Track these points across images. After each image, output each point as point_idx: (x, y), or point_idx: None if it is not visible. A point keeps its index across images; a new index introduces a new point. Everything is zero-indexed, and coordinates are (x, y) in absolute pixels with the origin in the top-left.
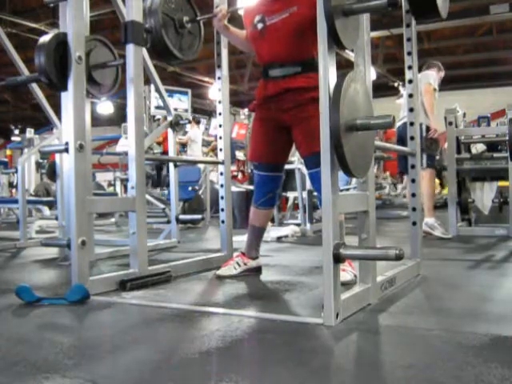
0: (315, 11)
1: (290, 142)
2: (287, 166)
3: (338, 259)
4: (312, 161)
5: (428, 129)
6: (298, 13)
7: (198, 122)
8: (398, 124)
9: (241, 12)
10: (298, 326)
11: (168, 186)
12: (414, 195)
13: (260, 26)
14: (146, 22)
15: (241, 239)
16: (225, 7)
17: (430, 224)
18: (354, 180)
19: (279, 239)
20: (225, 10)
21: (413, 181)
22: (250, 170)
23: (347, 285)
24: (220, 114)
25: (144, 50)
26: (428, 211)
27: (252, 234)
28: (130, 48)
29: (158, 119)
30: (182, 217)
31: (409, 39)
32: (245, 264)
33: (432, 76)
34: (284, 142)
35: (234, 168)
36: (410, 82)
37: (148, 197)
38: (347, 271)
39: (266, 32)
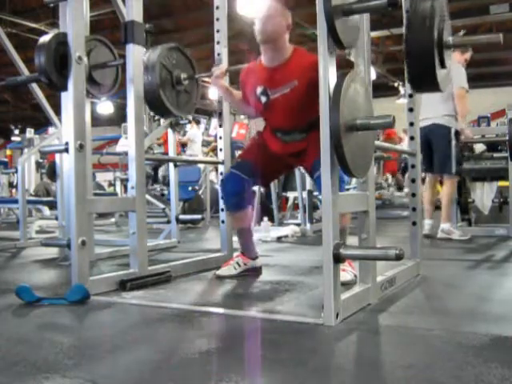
0: (315, 83)
1: (281, 172)
2: None
3: (338, 259)
4: (319, 163)
5: (457, 133)
6: (299, 87)
7: (197, 122)
8: (423, 124)
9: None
10: (298, 325)
11: (167, 185)
12: (413, 195)
13: (263, 99)
14: (144, 75)
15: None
16: (224, 66)
17: (447, 229)
18: (354, 180)
19: (279, 239)
20: (223, 68)
21: (413, 181)
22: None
23: (347, 285)
24: (220, 113)
25: (144, 50)
26: (446, 217)
27: (241, 237)
28: (130, 48)
29: (158, 119)
30: (182, 217)
31: None
32: (245, 264)
33: (463, 75)
34: (278, 168)
35: None
36: None
37: (148, 197)
38: (347, 271)
39: (270, 106)
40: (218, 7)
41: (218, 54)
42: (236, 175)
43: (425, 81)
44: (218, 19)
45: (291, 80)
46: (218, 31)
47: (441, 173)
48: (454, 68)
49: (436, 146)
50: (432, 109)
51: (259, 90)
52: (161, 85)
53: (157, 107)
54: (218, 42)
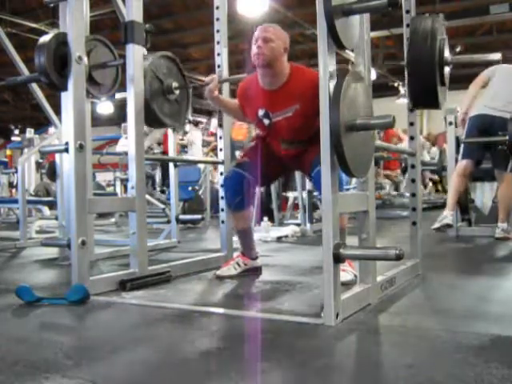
0: (317, 103)
1: (283, 173)
2: None
3: (338, 259)
4: (318, 159)
5: None
6: (301, 110)
7: (196, 124)
8: (478, 113)
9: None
10: (298, 326)
11: (168, 186)
12: (413, 195)
13: (266, 122)
14: None
15: (238, 241)
16: (216, 78)
17: (506, 229)
18: (353, 180)
19: (279, 239)
20: (217, 79)
21: (413, 181)
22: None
23: (347, 285)
24: (220, 113)
25: (144, 50)
26: (504, 216)
27: (241, 237)
28: (130, 48)
29: None
30: (182, 217)
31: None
32: (245, 264)
33: None
34: (279, 170)
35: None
36: None
37: (148, 197)
38: (347, 271)
39: (272, 127)
40: (218, 7)
41: (218, 54)
42: (238, 174)
43: (426, 99)
44: (217, 19)
45: (293, 104)
46: (217, 31)
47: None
48: None
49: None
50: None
51: (261, 112)
52: (152, 94)
53: (148, 117)
54: (218, 42)
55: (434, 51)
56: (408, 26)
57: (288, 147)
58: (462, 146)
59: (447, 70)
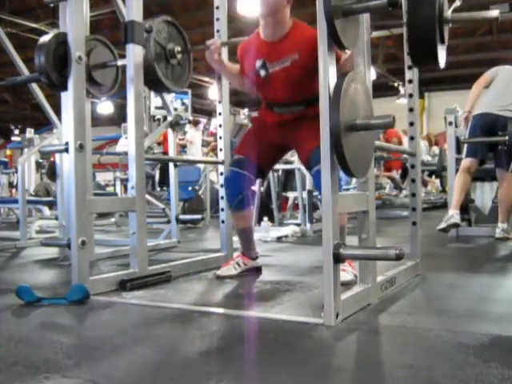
0: (316, 56)
1: (277, 158)
2: (287, 166)
3: (337, 259)
4: (317, 155)
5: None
6: (300, 61)
7: (196, 124)
8: (482, 111)
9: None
10: (298, 325)
11: (168, 186)
12: (413, 195)
13: (263, 73)
14: None
15: (239, 241)
16: (218, 40)
17: (506, 229)
18: (353, 180)
19: (279, 239)
20: (219, 42)
21: (413, 181)
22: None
23: (347, 285)
24: (220, 114)
25: (144, 50)
26: (504, 216)
27: (241, 237)
28: (130, 48)
29: (159, 119)
30: (182, 217)
31: None
32: (245, 264)
33: None
34: (273, 155)
35: None
36: (410, 81)
37: (148, 197)
38: (347, 271)
39: (269, 79)
40: (218, 7)
41: (219, 54)
42: (237, 173)
43: (425, 55)
44: (217, 19)
45: (292, 53)
46: (217, 31)
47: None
48: None
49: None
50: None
51: (258, 63)
52: (155, 59)
53: (151, 82)
54: None
55: (434, 6)
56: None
57: (282, 111)
58: (465, 145)
59: (446, 27)
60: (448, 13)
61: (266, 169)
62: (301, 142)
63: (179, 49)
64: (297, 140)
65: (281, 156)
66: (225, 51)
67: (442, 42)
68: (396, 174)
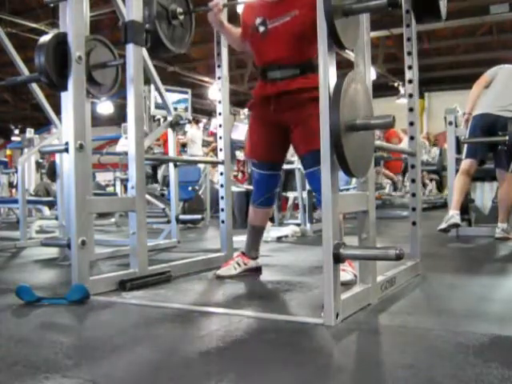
0: (316, 13)
1: (287, 142)
2: (287, 166)
3: (337, 259)
4: (310, 159)
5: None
6: (299, 16)
7: (197, 122)
8: (482, 112)
9: (239, 9)
10: (298, 325)
11: (167, 185)
12: (414, 195)
13: (261, 29)
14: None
15: (241, 239)
16: (221, 1)
17: (506, 229)
18: (353, 180)
19: (279, 239)
20: (221, 4)
21: (413, 181)
22: (249, 170)
23: (347, 285)
24: (220, 114)
25: (144, 50)
26: (504, 216)
27: (251, 233)
28: (130, 48)
29: (158, 119)
30: (182, 217)
31: (409, 39)
32: (245, 264)
33: None
34: (281, 142)
35: (235, 167)
36: (410, 81)
37: (148, 197)
38: (347, 271)
39: (267, 35)
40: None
41: (218, 54)
42: (264, 175)
43: (426, 7)
44: None
45: (292, 9)
46: (218, 31)
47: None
48: None
49: None
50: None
51: (258, 20)
52: (157, 19)
53: (153, 43)
54: (218, 42)
55: None
56: (408, 26)
57: (277, 77)
58: (465, 145)
59: None
60: None
61: (280, 159)
62: (297, 136)
63: (181, 10)
64: (294, 128)
65: (288, 140)
66: (224, 12)
67: None
68: (395, 176)
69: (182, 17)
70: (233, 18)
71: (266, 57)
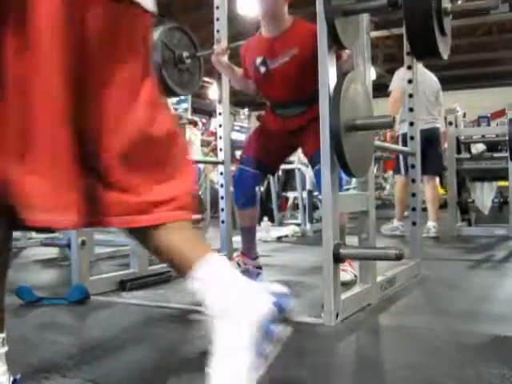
0: (315, 51)
1: (285, 154)
2: (287, 166)
3: (337, 259)
4: (318, 156)
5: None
6: (299, 56)
7: (195, 124)
8: (425, 127)
9: (239, 10)
10: (298, 325)
11: None
12: (414, 195)
13: (263, 69)
14: None
15: (240, 239)
16: (224, 43)
17: (431, 228)
18: (353, 180)
19: (279, 239)
20: (224, 46)
21: (413, 181)
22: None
23: (347, 285)
24: (220, 114)
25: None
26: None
27: (245, 235)
28: None
29: None
30: None
31: None
32: (245, 264)
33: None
34: (281, 151)
35: (233, 168)
36: (410, 81)
37: None
38: (347, 271)
39: (269, 76)
40: (217, 7)
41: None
42: (245, 171)
43: (425, 48)
44: (218, 19)
45: (291, 48)
46: (217, 31)
47: (436, 173)
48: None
49: (434, 148)
50: (427, 111)
51: (258, 60)
52: (163, 64)
53: (159, 87)
54: (218, 42)
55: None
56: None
57: (285, 113)
58: (401, 162)
59: (447, 19)
60: (447, 4)
61: (275, 165)
62: (306, 142)
63: (188, 54)
64: (303, 142)
65: (289, 154)
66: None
67: (443, 34)
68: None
69: (188, 61)
70: (232, 16)
71: (271, 96)
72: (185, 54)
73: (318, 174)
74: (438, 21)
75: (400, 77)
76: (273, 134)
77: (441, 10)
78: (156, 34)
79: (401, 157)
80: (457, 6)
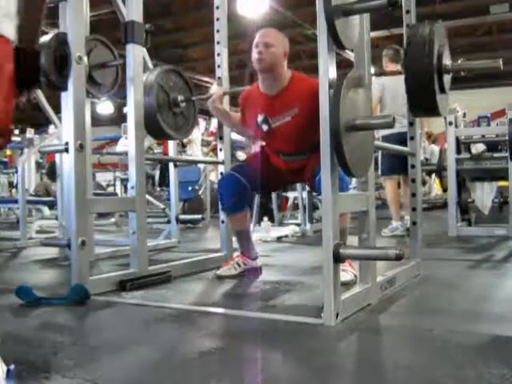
0: (316, 109)
1: (280, 185)
2: None
3: (337, 259)
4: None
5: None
6: (299, 115)
7: (196, 124)
8: (401, 130)
9: (239, 10)
10: (298, 326)
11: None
12: (414, 195)
13: (265, 127)
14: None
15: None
16: (221, 89)
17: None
18: (354, 180)
19: (279, 239)
20: (221, 91)
21: (413, 181)
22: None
23: (347, 285)
24: None
25: (144, 50)
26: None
27: (239, 238)
28: (130, 48)
29: None
30: (182, 217)
31: None
32: (245, 264)
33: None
34: (278, 181)
35: None
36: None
37: (148, 197)
38: (347, 271)
39: (272, 133)
40: (218, 7)
41: (218, 54)
42: (233, 176)
43: (425, 107)
44: (218, 19)
45: (292, 108)
46: (217, 31)
47: (397, 174)
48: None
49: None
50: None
51: (260, 118)
52: (158, 108)
53: (153, 129)
54: (218, 42)
55: (432, 57)
56: (408, 26)
57: (287, 159)
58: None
59: (447, 77)
60: (448, 62)
61: (270, 188)
62: (306, 170)
63: (183, 98)
64: (303, 173)
65: (286, 183)
66: (226, 99)
67: (443, 91)
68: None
69: (183, 104)
70: (232, 16)
71: (275, 147)
72: (180, 97)
73: (318, 184)
74: (438, 80)
75: (376, 85)
76: (275, 168)
77: (441, 68)
78: (153, 76)
79: (380, 157)
80: (458, 65)
